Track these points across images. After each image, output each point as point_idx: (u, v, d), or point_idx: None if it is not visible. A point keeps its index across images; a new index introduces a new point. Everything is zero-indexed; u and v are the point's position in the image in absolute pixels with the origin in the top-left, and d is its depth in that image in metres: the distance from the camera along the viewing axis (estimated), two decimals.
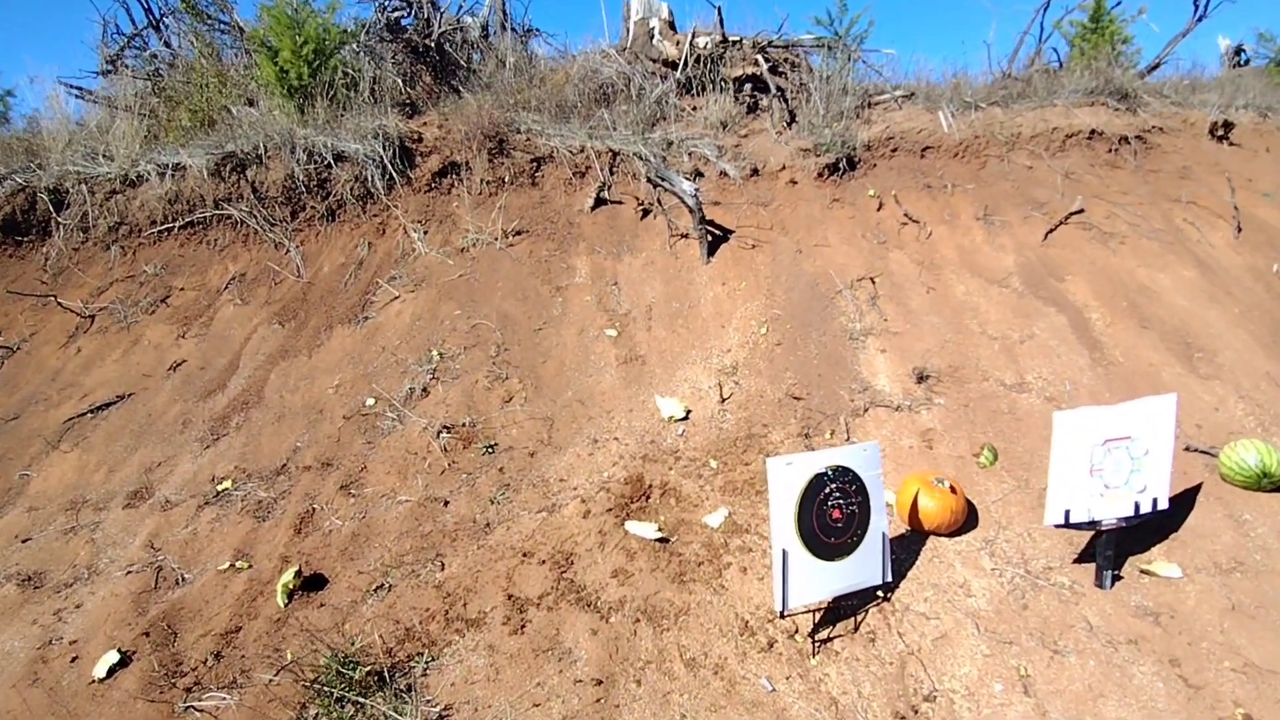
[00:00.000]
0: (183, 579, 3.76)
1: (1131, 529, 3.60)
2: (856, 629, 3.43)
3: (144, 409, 4.96)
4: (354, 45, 7.46)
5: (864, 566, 3.42)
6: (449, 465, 4.38)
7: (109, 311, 5.75)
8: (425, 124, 7.09)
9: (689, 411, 4.71)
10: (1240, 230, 6.23)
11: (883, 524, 3.46)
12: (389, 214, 6.42)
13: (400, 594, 3.57)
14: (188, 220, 6.22)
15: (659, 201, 6.40)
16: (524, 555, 3.76)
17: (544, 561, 3.72)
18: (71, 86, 7.56)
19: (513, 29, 9.15)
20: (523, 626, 3.39)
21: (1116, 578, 3.58)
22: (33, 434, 4.85)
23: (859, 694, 3.16)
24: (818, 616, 3.45)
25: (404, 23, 8.15)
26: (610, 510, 4.01)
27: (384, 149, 6.49)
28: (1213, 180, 6.82)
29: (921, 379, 4.86)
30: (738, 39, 7.95)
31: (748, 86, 7.90)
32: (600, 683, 3.13)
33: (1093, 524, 3.50)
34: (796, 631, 3.42)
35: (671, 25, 8.47)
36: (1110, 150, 7.03)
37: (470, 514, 4.04)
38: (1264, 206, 6.53)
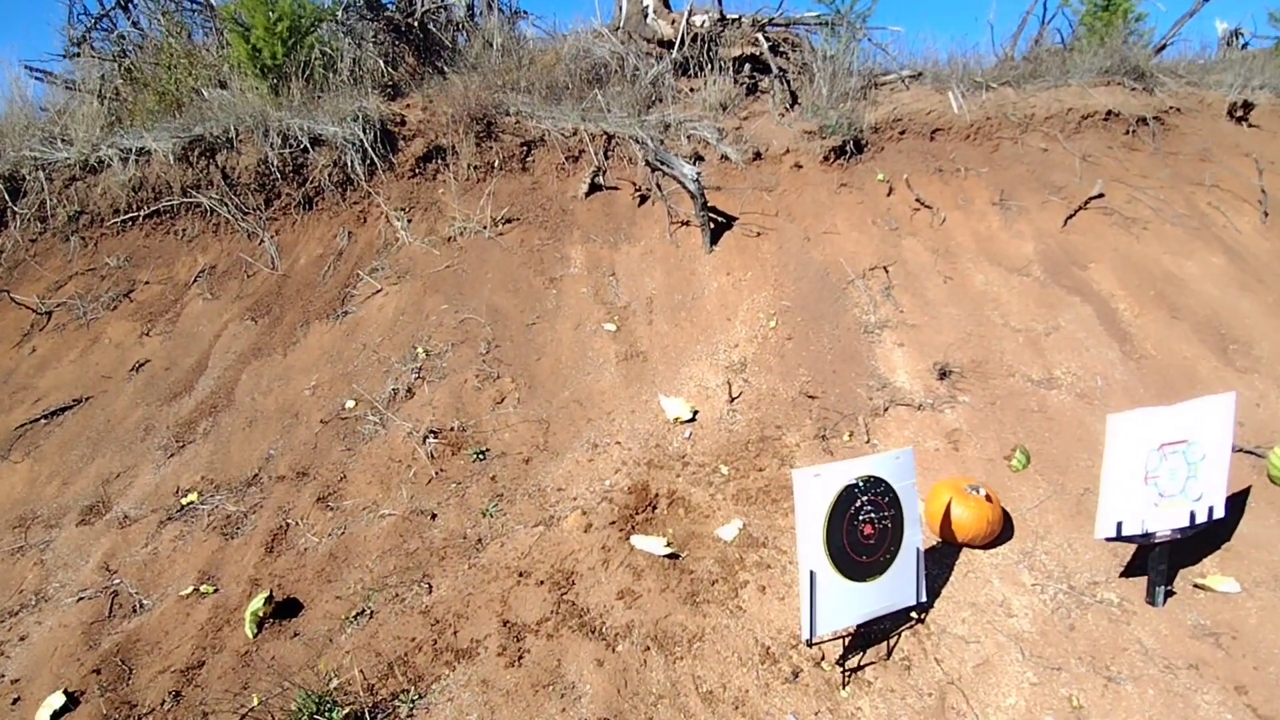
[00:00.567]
0: (140, 606, 3.38)
1: (1183, 540, 3.30)
2: (889, 655, 3.11)
3: (103, 414, 4.56)
4: (332, 23, 7.03)
5: (897, 586, 3.10)
6: (436, 474, 4.01)
7: (67, 307, 5.33)
8: (408, 106, 6.68)
9: (696, 412, 4.37)
10: (1267, 215, 5.94)
11: (917, 539, 3.14)
12: (370, 201, 6.02)
13: (383, 621, 3.22)
14: (153, 209, 5.80)
15: (658, 187, 6.03)
16: (520, 575, 3.41)
17: (542, 582, 3.37)
18: (34, 70, 7.08)
19: (499, 9, 8.73)
20: (520, 657, 3.04)
21: (1169, 593, 3.28)
22: None
23: None
24: (846, 642, 3.13)
25: (385, 0, 7.72)
26: (614, 523, 3.66)
27: (364, 132, 6.09)
28: (1234, 163, 6.52)
29: (944, 375, 4.54)
30: (736, 17, 7.57)
31: (747, 67, 7.53)
32: None
33: (1146, 536, 3.19)
34: (823, 659, 3.09)
35: (666, 3, 8.07)
36: (1128, 132, 6.72)
37: (460, 529, 3.69)
38: None
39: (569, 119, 6.64)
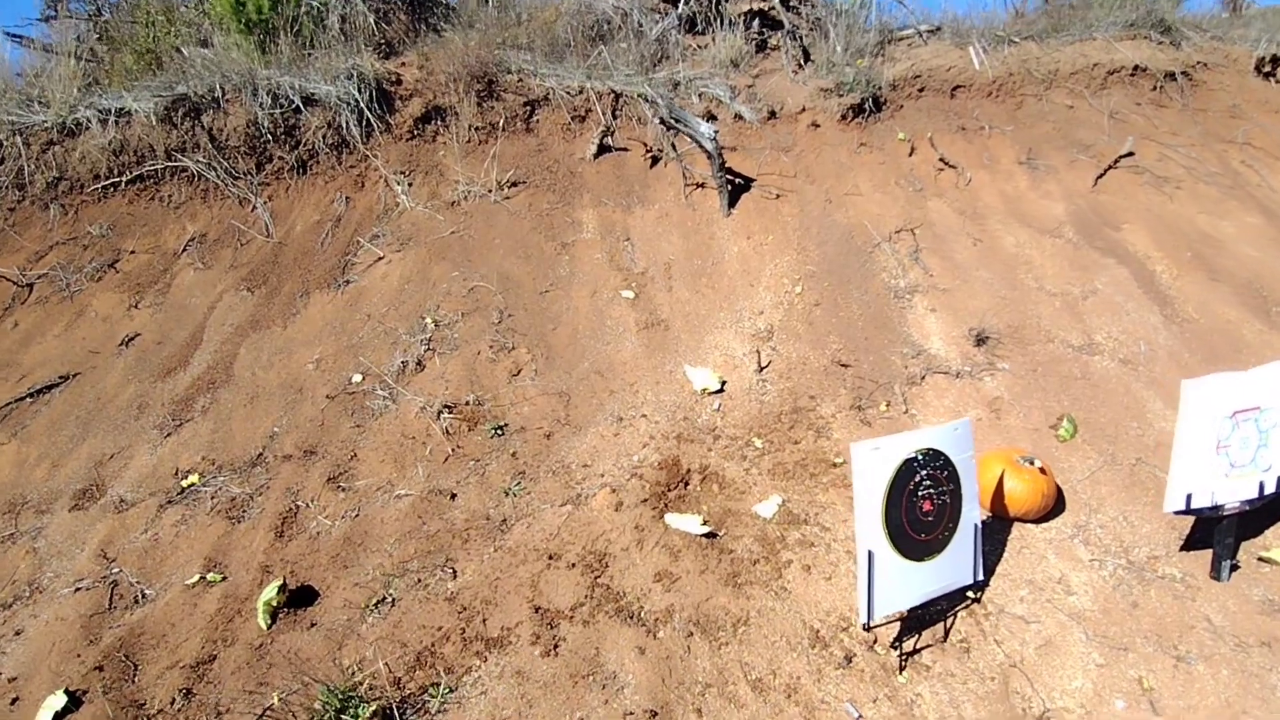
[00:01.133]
0: (143, 596, 3.16)
1: (1249, 511, 3.13)
2: (946, 637, 2.95)
3: (92, 391, 4.29)
4: None
5: (955, 565, 2.92)
6: (453, 451, 3.79)
7: (49, 279, 5.02)
8: (404, 65, 6.32)
9: (724, 383, 4.15)
10: None
11: (975, 514, 2.96)
12: (368, 165, 5.70)
13: (406, 609, 3.01)
14: (136, 174, 5.45)
15: (672, 147, 5.75)
16: (550, 558, 3.20)
17: (574, 565, 3.17)
18: (11, 35, 6.67)
19: None
20: (555, 646, 2.85)
21: (1234, 567, 3.13)
22: None
23: (960, 718, 2.67)
24: (900, 624, 2.96)
25: None
26: (645, 501, 3.46)
27: (359, 92, 5.74)
28: (1265, 119, 6.30)
29: (980, 341, 4.34)
30: None
31: (756, 22, 7.19)
32: (655, 714, 2.62)
33: (1215, 509, 3.02)
34: (875, 642, 2.92)
35: None
36: (1155, 88, 6.47)
37: (483, 509, 3.47)
38: None
39: (574, 77, 6.31)
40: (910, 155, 5.94)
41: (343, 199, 5.52)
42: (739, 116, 6.20)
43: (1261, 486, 3.06)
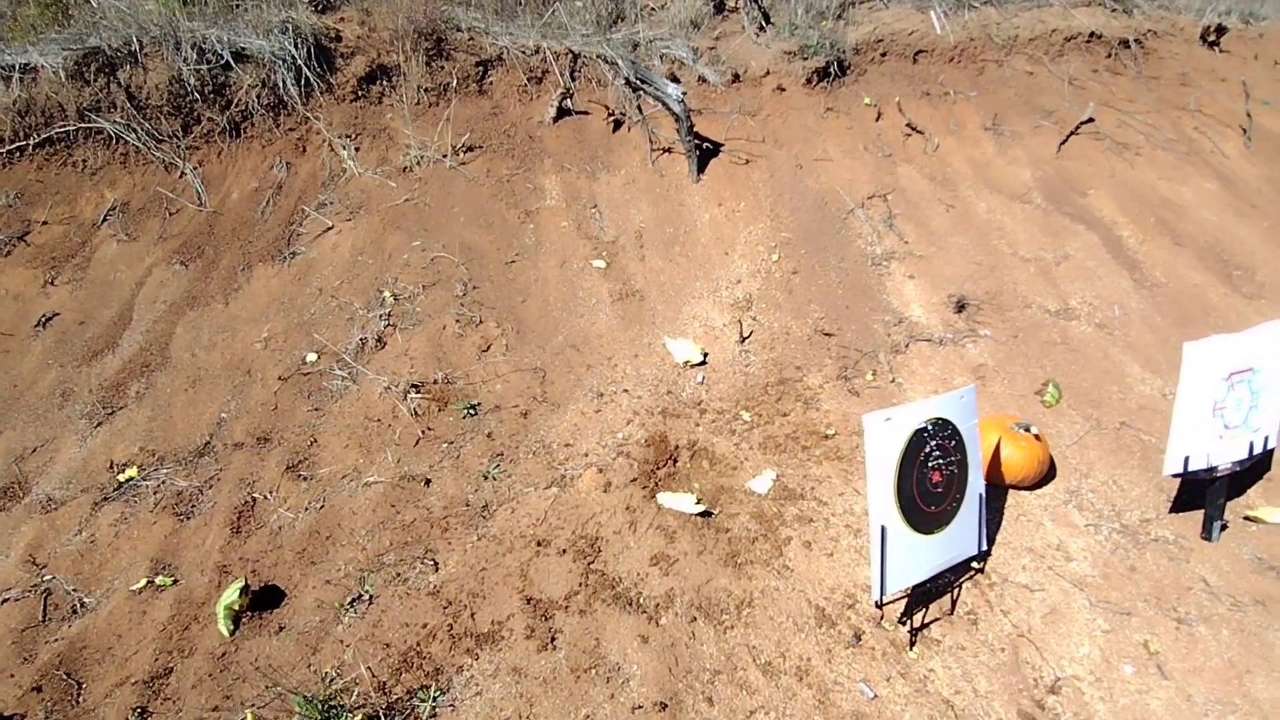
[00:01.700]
0: (82, 605, 2.83)
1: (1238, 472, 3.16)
2: (953, 609, 2.88)
3: (6, 378, 3.84)
4: None
5: (962, 536, 2.84)
6: (424, 433, 3.53)
7: None
8: (343, 20, 5.85)
9: (706, 355, 3.99)
10: (1249, 140, 5.88)
11: (979, 484, 2.88)
12: (309, 128, 5.27)
13: (385, 607, 2.77)
14: (45, 136, 4.89)
15: (637, 110, 5.50)
16: (538, 544, 3.00)
17: (564, 551, 2.98)
18: None
19: None
20: (552, 639, 2.66)
21: (1223, 527, 3.15)
22: None
23: (975, 692, 2.61)
24: (908, 598, 2.87)
25: None
26: (634, 480, 3.28)
27: (296, 47, 5.28)
28: (1213, 87, 6.44)
29: (960, 308, 4.29)
30: None
31: None
32: (664, 706, 2.47)
33: (1210, 470, 3.03)
34: (883, 618, 2.84)
35: None
36: (1110, 55, 6.53)
37: (461, 494, 3.24)
38: (1266, 115, 6.20)
39: (529, 36, 5.97)
40: (877, 120, 5.84)
41: (283, 164, 5.09)
42: (703, 79, 5.98)
43: (1251, 447, 3.09)
